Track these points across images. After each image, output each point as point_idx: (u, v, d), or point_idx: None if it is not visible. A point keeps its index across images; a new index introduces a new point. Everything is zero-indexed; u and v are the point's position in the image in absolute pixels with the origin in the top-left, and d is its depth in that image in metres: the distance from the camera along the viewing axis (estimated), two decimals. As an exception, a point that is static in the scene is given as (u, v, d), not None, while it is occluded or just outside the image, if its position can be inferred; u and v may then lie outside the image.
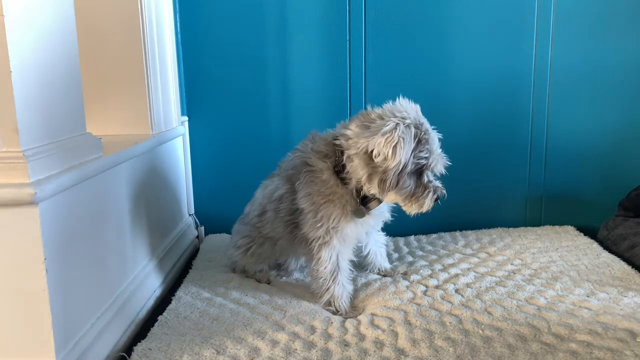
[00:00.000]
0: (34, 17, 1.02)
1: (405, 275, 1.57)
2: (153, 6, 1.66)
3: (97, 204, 1.21)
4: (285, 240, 1.48)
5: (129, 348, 1.21)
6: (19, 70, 0.97)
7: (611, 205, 1.93)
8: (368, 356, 1.15)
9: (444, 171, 1.33)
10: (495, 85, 1.95)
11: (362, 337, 1.23)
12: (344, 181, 1.33)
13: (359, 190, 1.34)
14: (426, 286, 1.48)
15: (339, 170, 1.33)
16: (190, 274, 1.64)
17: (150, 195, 1.57)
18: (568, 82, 1.94)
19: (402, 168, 1.24)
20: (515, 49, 1.92)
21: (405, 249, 1.80)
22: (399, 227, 1.70)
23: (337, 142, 1.33)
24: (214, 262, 1.74)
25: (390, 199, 1.33)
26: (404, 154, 1.23)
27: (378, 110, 1.31)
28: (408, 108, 1.29)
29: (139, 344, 1.20)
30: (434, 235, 1.94)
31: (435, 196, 1.31)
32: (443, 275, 1.55)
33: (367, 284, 1.51)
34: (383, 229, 1.62)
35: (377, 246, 1.60)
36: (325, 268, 1.38)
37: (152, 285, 1.49)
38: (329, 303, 1.39)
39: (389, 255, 1.70)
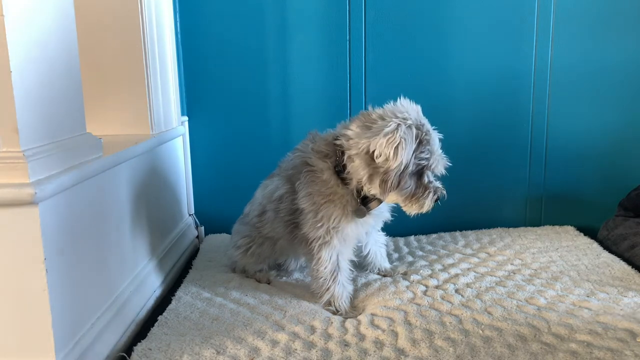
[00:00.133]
0: (34, 17, 1.02)
1: (405, 275, 1.57)
2: (153, 6, 1.66)
3: (97, 204, 1.21)
4: (285, 240, 1.48)
5: (129, 348, 1.21)
6: (19, 70, 0.97)
7: (611, 205, 1.93)
8: (368, 356, 1.15)
9: (444, 172, 1.33)
10: (495, 85, 1.95)
11: (362, 337, 1.23)
12: (344, 181, 1.33)
13: (359, 191, 1.34)
14: (426, 286, 1.48)
15: (340, 170, 1.33)
16: (190, 274, 1.64)
17: (150, 195, 1.57)
18: (568, 82, 1.94)
19: (403, 169, 1.24)
20: (515, 49, 1.92)
21: (405, 249, 1.80)
22: (399, 227, 1.70)
23: (337, 142, 1.33)
24: (214, 262, 1.74)
25: (391, 199, 1.33)
26: (406, 155, 1.23)
27: (379, 110, 1.31)
28: (409, 109, 1.29)
29: (139, 344, 1.20)
30: (434, 235, 1.94)
31: (435, 197, 1.31)
32: (443, 275, 1.55)
33: (367, 284, 1.51)
34: (383, 229, 1.62)
35: (377, 246, 1.60)
36: (325, 268, 1.38)
37: (152, 285, 1.49)
38: (329, 303, 1.39)
39: (389, 255, 1.70)
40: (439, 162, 1.31)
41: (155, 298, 1.48)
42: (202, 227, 2.02)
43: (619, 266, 1.58)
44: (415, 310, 1.33)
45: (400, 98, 1.32)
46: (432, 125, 1.32)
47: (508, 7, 1.90)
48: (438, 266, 1.62)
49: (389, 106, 1.31)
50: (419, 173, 1.29)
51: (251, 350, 1.18)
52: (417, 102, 1.33)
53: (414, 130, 1.25)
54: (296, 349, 1.18)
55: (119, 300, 1.28)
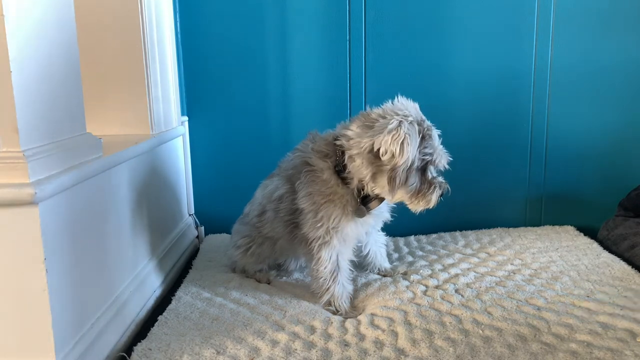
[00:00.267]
0: (34, 17, 1.02)
1: (405, 275, 1.57)
2: (153, 6, 1.66)
3: (97, 204, 1.21)
4: (285, 240, 1.48)
5: (129, 348, 1.21)
6: (19, 70, 0.97)
7: (611, 205, 1.93)
8: (368, 356, 1.15)
9: (447, 166, 1.33)
10: (495, 85, 1.95)
11: (362, 337, 1.23)
12: (344, 181, 1.33)
13: (359, 190, 1.34)
14: (426, 286, 1.48)
15: (340, 170, 1.33)
16: (190, 274, 1.64)
17: (151, 195, 1.57)
18: (568, 82, 1.94)
19: (409, 165, 1.24)
20: (515, 49, 1.92)
21: (405, 249, 1.80)
22: (399, 227, 1.70)
23: (337, 142, 1.33)
24: (214, 262, 1.74)
25: (397, 197, 1.32)
26: (412, 150, 1.23)
27: (378, 110, 1.31)
28: (408, 106, 1.30)
29: (139, 344, 1.20)
30: (434, 235, 1.94)
31: (440, 192, 1.32)
32: (443, 275, 1.55)
33: (367, 284, 1.51)
34: (383, 229, 1.62)
35: (377, 246, 1.60)
36: (325, 268, 1.38)
37: (152, 285, 1.49)
38: (329, 303, 1.39)
39: (389, 255, 1.70)
40: (442, 157, 1.31)
41: (155, 298, 1.48)
42: (202, 227, 2.02)
43: (619, 266, 1.58)
44: (415, 310, 1.33)
45: (397, 96, 1.33)
46: (432, 124, 1.32)
47: (508, 7, 1.90)
48: (438, 266, 1.62)
49: (388, 105, 1.31)
50: (422, 169, 1.29)
51: (251, 350, 1.18)
52: (417, 102, 1.33)
53: (416, 126, 1.26)
54: (296, 349, 1.18)
55: (119, 300, 1.28)
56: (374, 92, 1.94)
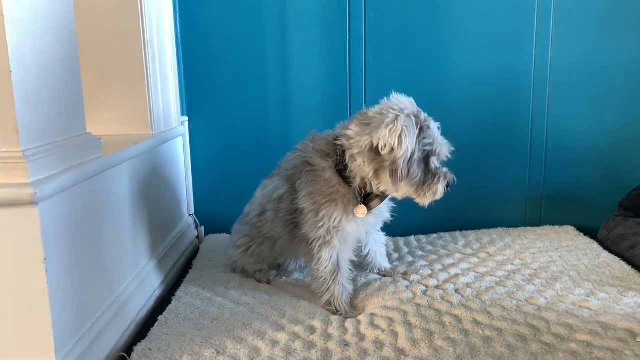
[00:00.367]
0: (34, 17, 1.02)
1: (405, 275, 1.57)
2: (153, 6, 1.66)
3: (97, 204, 1.21)
4: (285, 240, 1.48)
5: (129, 348, 1.21)
6: (19, 70, 0.97)
7: (611, 205, 1.93)
8: (368, 356, 1.15)
9: (449, 155, 1.33)
10: (495, 85, 1.95)
11: (362, 337, 1.23)
12: (346, 180, 1.34)
13: (361, 189, 1.34)
14: (426, 286, 1.48)
15: (341, 170, 1.33)
16: (190, 274, 1.64)
17: (151, 195, 1.57)
18: (568, 82, 1.94)
19: (410, 156, 1.24)
20: (515, 49, 1.92)
21: (405, 249, 1.80)
22: (399, 227, 1.70)
23: (338, 142, 1.33)
24: (214, 262, 1.74)
25: (402, 192, 1.31)
26: (410, 141, 1.23)
27: (375, 108, 1.32)
28: (403, 101, 1.31)
29: (139, 344, 1.20)
30: (434, 235, 1.94)
31: (446, 182, 1.31)
32: (443, 275, 1.55)
33: (367, 284, 1.51)
34: (383, 229, 1.62)
35: (377, 246, 1.60)
36: (325, 268, 1.38)
37: (152, 285, 1.49)
38: (329, 303, 1.39)
39: (389, 255, 1.70)
40: (443, 147, 1.31)
41: (155, 298, 1.48)
42: (202, 227, 2.02)
43: (619, 266, 1.58)
44: (415, 310, 1.33)
45: (393, 93, 1.33)
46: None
47: (508, 7, 1.90)
48: (438, 266, 1.62)
49: (384, 102, 1.32)
50: (425, 161, 1.29)
51: (251, 350, 1.18)
52: (417, 103, 1.33)
53: (413, 118, 1.26)
54: (296, 349, 1.18)
55: (119, 300, 1.28)
56: (374, 92, 1.94)
